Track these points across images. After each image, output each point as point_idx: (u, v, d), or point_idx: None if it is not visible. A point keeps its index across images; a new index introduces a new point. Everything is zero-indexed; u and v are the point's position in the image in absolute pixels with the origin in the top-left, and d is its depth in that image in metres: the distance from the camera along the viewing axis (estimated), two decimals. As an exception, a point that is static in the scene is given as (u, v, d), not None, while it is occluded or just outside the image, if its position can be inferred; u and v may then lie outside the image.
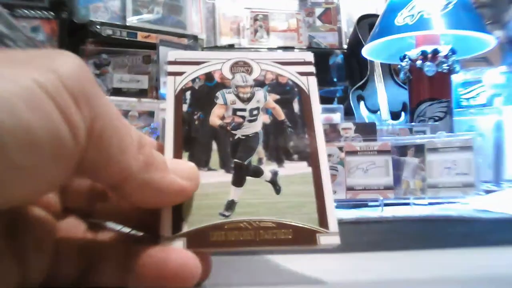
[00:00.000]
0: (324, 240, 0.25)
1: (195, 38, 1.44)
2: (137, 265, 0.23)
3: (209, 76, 0.28)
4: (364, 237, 0.42)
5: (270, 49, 1.48)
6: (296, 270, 0.31)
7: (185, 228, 0.24)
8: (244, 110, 0.28)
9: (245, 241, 0.25)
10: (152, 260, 0.23)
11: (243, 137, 0.28)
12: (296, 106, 0.29)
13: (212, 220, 0.25)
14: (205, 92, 0.28)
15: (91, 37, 1.34)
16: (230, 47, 1.47)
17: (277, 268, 0.32)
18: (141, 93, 1.33)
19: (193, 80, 0.28)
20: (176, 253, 0.23)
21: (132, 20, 1.38)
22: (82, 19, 1.35)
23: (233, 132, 0.28)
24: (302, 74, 0.29)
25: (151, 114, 1.24)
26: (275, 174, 0.27)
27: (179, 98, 0.28)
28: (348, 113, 1.29)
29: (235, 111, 0.28)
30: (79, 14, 1.36)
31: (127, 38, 1.37)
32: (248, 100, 0.28)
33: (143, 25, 1.39)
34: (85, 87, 0.19)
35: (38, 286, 0.22)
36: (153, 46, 1.36)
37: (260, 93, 0.28)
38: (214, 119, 0.27)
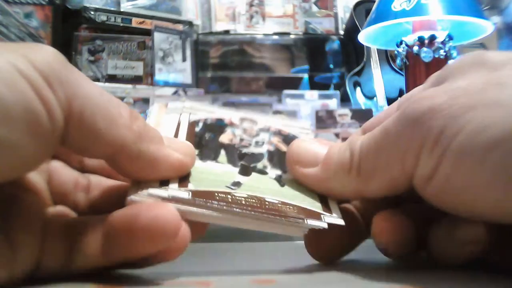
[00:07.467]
0: (328, 219, 0.25)
1: (190, 24, 1.43)
2: (110, 226, 0.21)
3: (219, 119, 0.31)
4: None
5: (266, 35, 1.47)
6: (278, 258, 0.31)
7: (191, 187, 0.24)
8: (250, 141, 0.30)
9: (251, 205, 0.24)
10: (123, 216, 0.21)
11: (250, 153, 0.29)
12: None
13: (219, 188, 0.25)
14: (215, 126, 0.31)
15: (85, 23, 1.33)
16: (226, 33, 1.46)
17: (259, 256, 0.32)
18: (136, 80, 1.32)
19: (205, 119, 0.31)
20: (150, 206, 0.21)
21: (126, 5, 1.37)
22: (76, 4, 1.33)
23: (240, 149, 0.30)
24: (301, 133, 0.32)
25: (146, 100, 1.24)
26: (279, 176, 0.28)
27: (192, 124, 0.30)
28: (345, 99, 1.28)
29: (242, 140, 0.30)
30: (73, 0, 1.34)
31: (121, 24, 1.36)
32: (254, 137, 0.31)
33: (138, 10, 1.38)
34: (56, 69, 0.20)
35: (29, 276, 0.22)
36: (148, 32, 1.35)
37: (265, 134, 0.31)
38: (223, 139, 0.30)
